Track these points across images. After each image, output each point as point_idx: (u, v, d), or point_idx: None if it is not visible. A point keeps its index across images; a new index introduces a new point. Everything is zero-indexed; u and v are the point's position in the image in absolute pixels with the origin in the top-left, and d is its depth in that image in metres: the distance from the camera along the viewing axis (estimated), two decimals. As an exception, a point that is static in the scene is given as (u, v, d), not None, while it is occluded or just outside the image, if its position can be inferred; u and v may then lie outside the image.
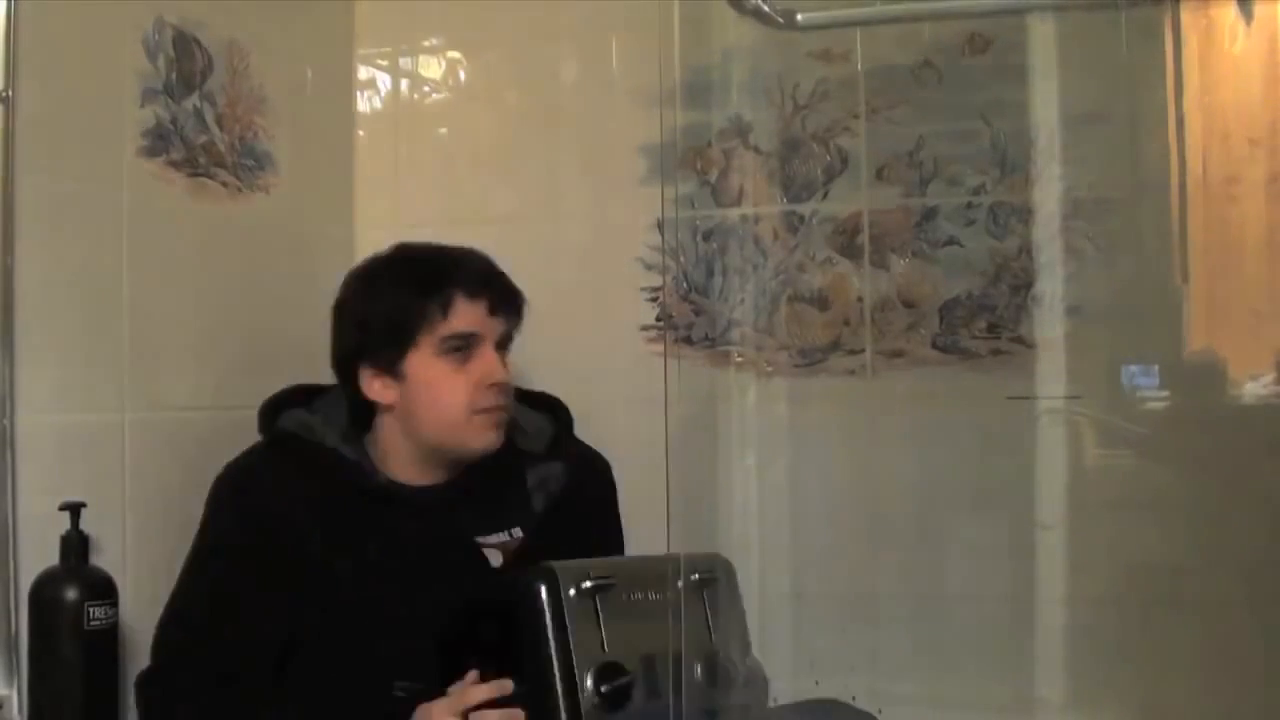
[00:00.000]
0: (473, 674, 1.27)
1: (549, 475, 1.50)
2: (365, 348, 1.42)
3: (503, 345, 1.45)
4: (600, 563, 1.33)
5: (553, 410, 1.58)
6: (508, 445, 1.47)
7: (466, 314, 1.41)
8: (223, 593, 1.35)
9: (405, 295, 1.41)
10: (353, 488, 1.39)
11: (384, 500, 1.40)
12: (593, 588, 1.27)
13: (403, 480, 1.44)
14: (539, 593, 1.26)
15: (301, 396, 1.47)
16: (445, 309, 1.39)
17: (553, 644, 1.24)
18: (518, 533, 1.46)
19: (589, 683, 1.25)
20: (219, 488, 1.39)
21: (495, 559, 1.43)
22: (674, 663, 1.26)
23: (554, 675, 1.24)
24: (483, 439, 1.42)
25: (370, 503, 1.38)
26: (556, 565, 1.28)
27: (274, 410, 1.44)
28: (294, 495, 1.36)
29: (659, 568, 1.31)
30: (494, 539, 1.44)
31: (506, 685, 1.25)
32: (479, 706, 1.24)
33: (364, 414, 1.46)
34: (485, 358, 1.41)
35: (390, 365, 1.41)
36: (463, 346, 1.40)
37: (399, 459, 1.44)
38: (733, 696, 1.35)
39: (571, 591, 1.26)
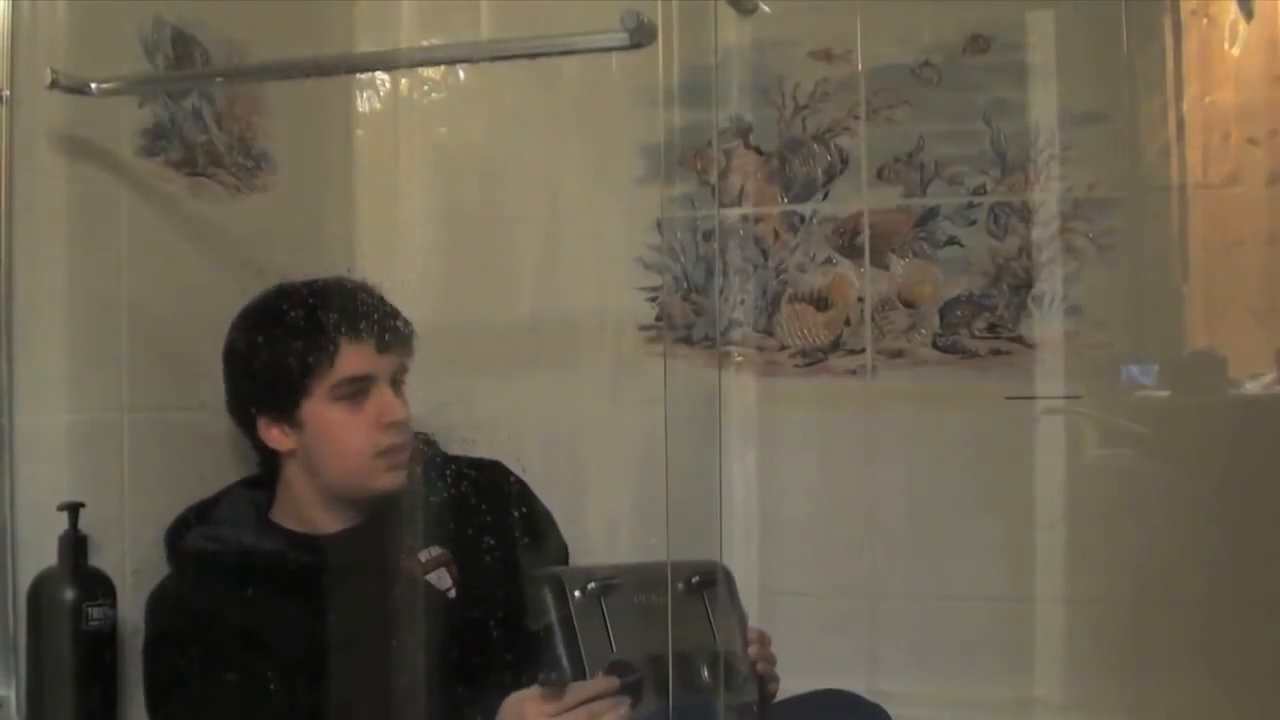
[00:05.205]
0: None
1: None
2: (258, 398, 1.39)
3: (397, 380, 1.41)
4: (604, 567, 1.33)
5: None
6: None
7: (354, 358, 1.36)
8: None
9: (289, 346, 1.36)
10: (277, 575, 1.34)
11: (311, 572, 1.35)
12: (598, 589, 1.27)
13: (319, 529, 1.41)
14: (545, 596, 1.26)
15: (199, 515, 1.41)
16: (332, 357, 1.35)
17: (561, 644, 1.24)
18: (435, 550, 1.42)
19: None
20: (151, 619, 1.34)
21: (442, 580, 1.40)
22: (677, 663, 1.26)
23: (565, 674, 1.23)
24: (386, 481, 1.39)
25: (300, 582, 1.33)
26: (561, 570, 1.28)
27: (177, 537, 1.39)
28: (217, 609, 1.31)
29: (660, 571, 1.31)
30: (425, 557, 1.41)
31: (611, 683, 1.23)
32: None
33: (270, 461, 1.42)
34: (381, 398, 1.38)
35: (285, 414, 1.37)
36: (356, 390, 1.37)
37: (310, 505, 1.41)
38: (743, 695, 1.35)
39: (577, 594, 1.27)
